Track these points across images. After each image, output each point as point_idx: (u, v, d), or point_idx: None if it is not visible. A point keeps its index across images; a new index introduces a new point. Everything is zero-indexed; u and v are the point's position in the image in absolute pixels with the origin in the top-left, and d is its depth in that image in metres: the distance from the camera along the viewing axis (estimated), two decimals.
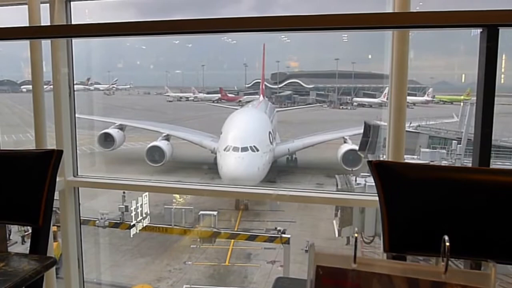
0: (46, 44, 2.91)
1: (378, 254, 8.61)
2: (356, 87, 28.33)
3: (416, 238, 1.44)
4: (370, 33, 2.04)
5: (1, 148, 2.83)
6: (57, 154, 1.79)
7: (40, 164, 1.77)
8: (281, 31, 1.91)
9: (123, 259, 12.60)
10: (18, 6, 2.98)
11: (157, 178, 10.06)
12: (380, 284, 0.74)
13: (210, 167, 17.23)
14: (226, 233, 11.98)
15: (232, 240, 12.37)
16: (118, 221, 11.28)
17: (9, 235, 9.06)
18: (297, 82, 30.21)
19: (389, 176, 1.47)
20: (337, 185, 12.35)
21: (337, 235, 10.57)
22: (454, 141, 14.81)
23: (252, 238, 11.14)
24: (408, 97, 2.51)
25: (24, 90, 20.76)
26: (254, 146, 15.35)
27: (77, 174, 3.14)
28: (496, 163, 12.34)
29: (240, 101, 27.67)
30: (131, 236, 11.68)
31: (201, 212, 12.05)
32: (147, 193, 10.90)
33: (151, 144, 18.54)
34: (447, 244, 0.77)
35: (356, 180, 12.05)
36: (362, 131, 15.41)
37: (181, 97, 31.56)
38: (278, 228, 10.86)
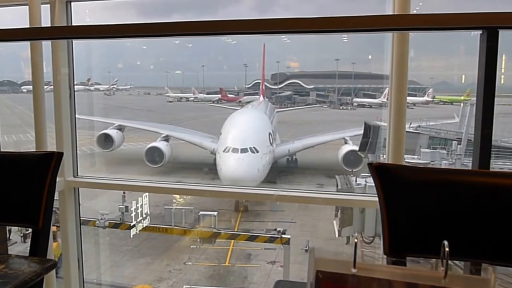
0: (46, 44, 2.90)
1: (378, 254, 8.62)
2: (356, 88, 28.33)
3: (416, 241, 1.44)
4: (370, 34, 2.04)
5: (2, 149, 2.83)
6: (57, 157, 1.79)
7: (40, 166, 1.77)
8: (282, 33, 1.91)
9: (123, 260, 12.60)
10: (19, 7, 2.98)
11: (156, 179, 10.08)
12: None
13: (210, 168, 17.16)
14: (226, 234, 11.96)
15: (232, 241, 12.34)
16: (118, 222, 11.26)
17: (9, 235, 9.06)
18: (297, 83, 30.21)
19: (389, 178, 1.47)
20: (337, 186, 12.34)
21: (337, 235, 10.58)
22: (454, 142, 14.84)
23: (252, 238, 11.12)
24: (408, 98, 2.51)
25: (25, 90, 20.76)
26: (254, 147, 15.20)
27: (77, 175, 3.13)
28: (496, 164, 12.36)
29: (240, 101, 27.66)
30: (131, 236, 11.69)
31: (201, 213, 12.04)
32: (147, 194, 10.92)
33: (150, 145, 18.41)
34: (447, 249, 0.78)
35: (356, 181, 12.05)
36: (362, 131, 15.41)
37: (181, 98, 31.59)
38: (278, 229, 10.86)
